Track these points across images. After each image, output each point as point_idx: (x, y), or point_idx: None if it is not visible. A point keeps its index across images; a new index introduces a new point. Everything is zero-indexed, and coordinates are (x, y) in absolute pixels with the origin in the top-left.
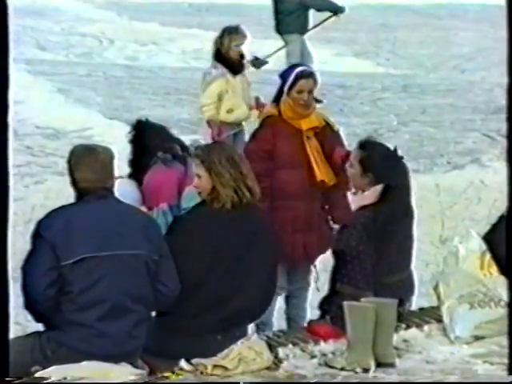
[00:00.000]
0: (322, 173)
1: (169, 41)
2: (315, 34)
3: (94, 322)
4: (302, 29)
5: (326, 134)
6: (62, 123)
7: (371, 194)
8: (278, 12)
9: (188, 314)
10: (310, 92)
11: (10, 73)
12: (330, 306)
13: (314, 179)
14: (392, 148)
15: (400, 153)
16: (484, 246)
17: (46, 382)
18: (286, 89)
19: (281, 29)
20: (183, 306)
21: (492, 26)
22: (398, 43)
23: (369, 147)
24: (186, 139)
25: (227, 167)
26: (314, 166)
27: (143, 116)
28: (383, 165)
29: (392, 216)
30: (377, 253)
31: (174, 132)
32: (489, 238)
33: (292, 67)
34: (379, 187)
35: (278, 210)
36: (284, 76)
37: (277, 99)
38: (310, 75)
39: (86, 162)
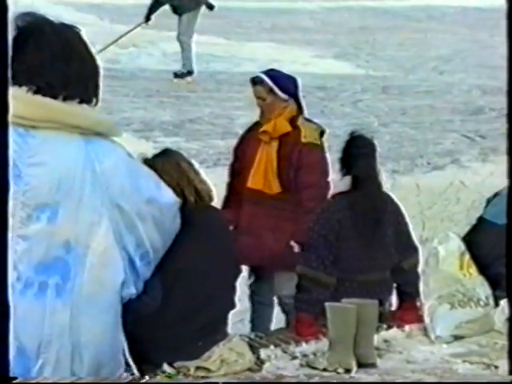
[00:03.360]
0: (254, 180)
1: (150, 43)
2: (297, 37)
3: None
4: None
5: (287, 142)
6: None
7: (343, 183)
8: None
9: (164, 325)
10: (261, 99)
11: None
12: (296, 294)
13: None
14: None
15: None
16: (463, 247)
17: (46, 381)
18: None
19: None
20: (158, 318)
21: (469, 29)
22: (378, 45)
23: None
24: (168, 141)
25: (170, 172)
26: (252, 171)
27: (124, 119)
28: (345, 154)
29: (366, 206)
30: (347, 244)
31: (156, 134)
32: (468, 239)
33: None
34: (348, 178)
35: (230, 209)
36: None
37: None
38: (256, 82)
39: None
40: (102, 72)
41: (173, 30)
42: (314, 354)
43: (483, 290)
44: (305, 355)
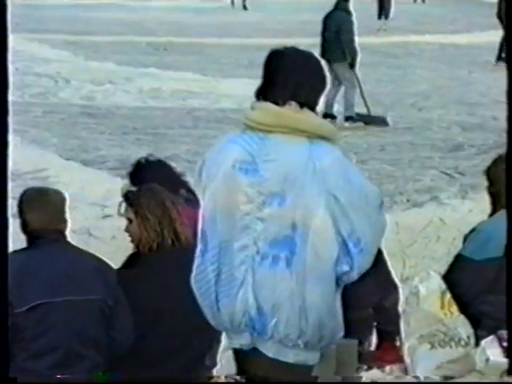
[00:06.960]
0: None
1: (126, 80)
2: None
3: (47, 370)
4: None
5: None
6: (16, 165)
7: None
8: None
9: (143, 365)
10: None
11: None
12: None
13: None
14: None
15: None
16: (444, 286)
17: (46, 381)
18: None
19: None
20: (136, 358)
21: (448, 65)
22: None
23: None
24: None
25: (154, 211)
26: None
27: (100, 156)
28: None
29: None
30: None
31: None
32: (447, 277)
33: None
34: None
35: None
36: None
37: None
38: None
39: (38, 203)
40: (77, 109)
41: (149, 67)
42: None
43: (464, 329)
44: None
